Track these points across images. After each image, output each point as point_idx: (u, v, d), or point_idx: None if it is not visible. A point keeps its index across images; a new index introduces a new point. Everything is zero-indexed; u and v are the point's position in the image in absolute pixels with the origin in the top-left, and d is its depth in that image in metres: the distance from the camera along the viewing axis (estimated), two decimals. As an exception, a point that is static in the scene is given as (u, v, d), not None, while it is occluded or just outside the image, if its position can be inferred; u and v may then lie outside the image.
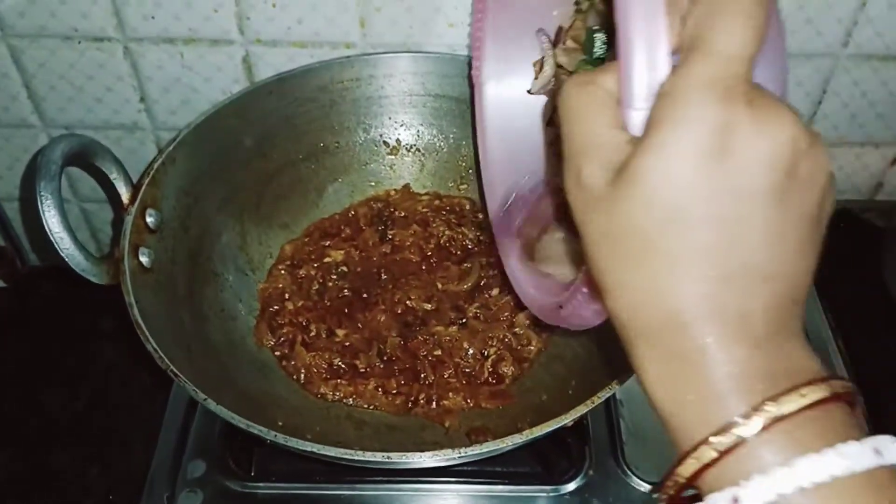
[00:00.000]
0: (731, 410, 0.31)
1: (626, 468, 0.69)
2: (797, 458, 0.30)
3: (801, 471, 0.30)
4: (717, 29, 0.32)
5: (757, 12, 0.31)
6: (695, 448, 0.32)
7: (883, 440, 0.31)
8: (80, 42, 0.76)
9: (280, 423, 0.61)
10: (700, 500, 0.32)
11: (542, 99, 0.65)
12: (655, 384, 0.34)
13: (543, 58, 0.62)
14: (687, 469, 0.32)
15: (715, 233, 0.31)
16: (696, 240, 0.31)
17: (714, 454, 0.31)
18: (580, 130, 0.35)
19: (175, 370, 0.55)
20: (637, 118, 0.33)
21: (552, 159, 0.64)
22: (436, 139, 0.82)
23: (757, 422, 0.30)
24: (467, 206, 0.82)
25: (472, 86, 0.69)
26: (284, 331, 0.73)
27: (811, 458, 0.30)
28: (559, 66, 0.61)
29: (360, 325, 0.74)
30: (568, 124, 0.35)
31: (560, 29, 0.62)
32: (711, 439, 0.31)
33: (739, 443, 0.31)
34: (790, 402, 0.31)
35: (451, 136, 0.82)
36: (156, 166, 0.67)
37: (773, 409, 0.30)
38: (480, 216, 0.80)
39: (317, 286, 0.76)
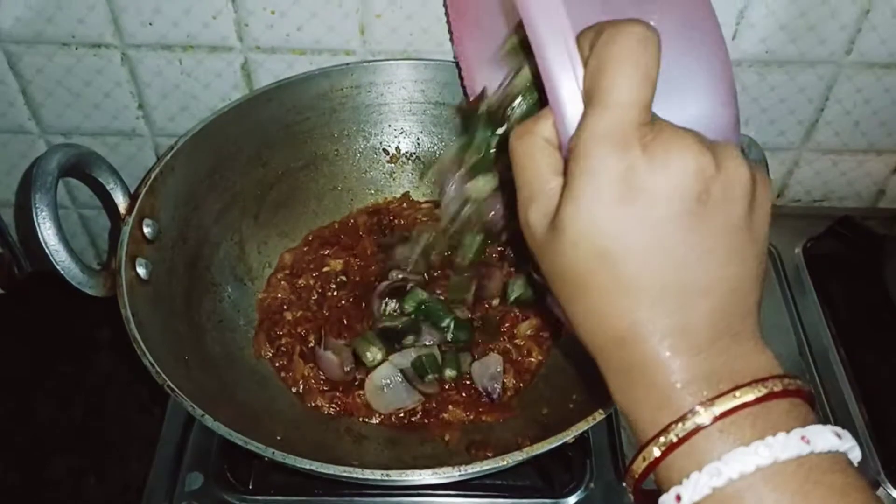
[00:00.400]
0: (672, 414, 0.34)
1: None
2: (727, 452, 0.33)
3: (729, 464, 0.33)
4: (607, 80, 0.34)
5: (643, 59, 0.34)
6: (643, 447, 0.35)
7: (813, 430, 0.34)
8: (77, 48, 0.76)
9: (279, 437, 0.60)
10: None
11: None
12: (616, 394, 0.38)
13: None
14: (638, 466, 0.36)
15: (640, 263, 0.35)
16: (623, 273, 0.35)
17: (657, 453, 0.35)
18: (523, 178, 0.38)
19: (172, 385, 0.55)
20: None
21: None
22: (436, 147, 0.82)
23: (691, 423, 0.34)
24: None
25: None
26: (283, 342, 0.73)
27: (739, 452, 0.33)
28: None
29: (359, 335, 0.73)
30: (515, 171, 0.39)
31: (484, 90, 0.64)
32: (658, 439, 0.35)
33: (678, 442, 0.34)
34: (724, 403, 0.34)
35: (452, 143, 0.81)
36: (153, 176, 0.66)
37: (706, 412, 0.34)
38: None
39: (315, 296, 0.76)
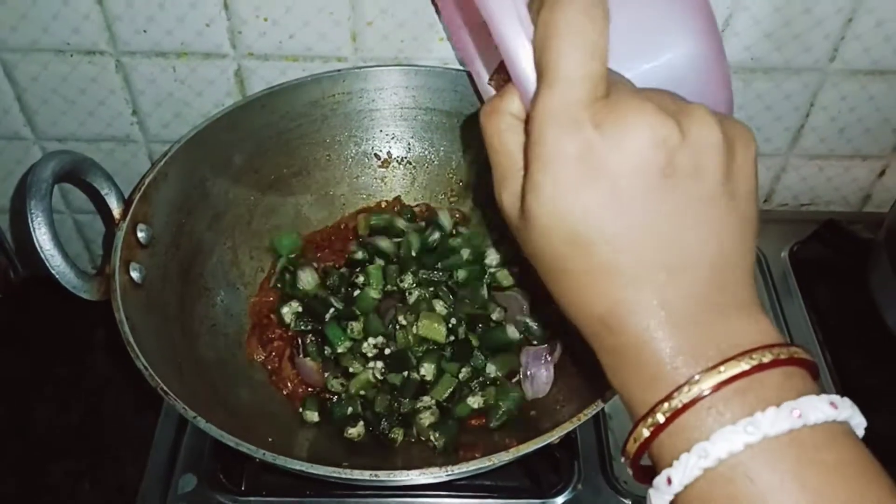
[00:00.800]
0: (660, 393, 0.33)
1: (614, 483, 0.70)
2: (715, 431, 0.32)
3: (717, 444, 0.31)
4: (551, 54, 0.32)
5: (588, 26, 0.32)
6: (634, 428, 0.34)
7: (805, 402, 0.32)
8: (72, 56, 0.76)
9: (270, 440, 0.61)
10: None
11: None
12: (609, 376, 0.37)
13: None
14: (631, 448, 0.35)
15: (612, 245, 0.33)
16: (596, 256, 0.33)
17: (647, 433, 0.34)
18: (494, 159, 0.37)
19: (165, 388, 0.56)
20: None
21: None
22: (427, 152, 0.83)
23: (677, 402, 0.32)
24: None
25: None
26: (275, 345, 0.73)
27: (728, 430, 0.31)
28: None
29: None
30: (488, 151, 0.37)
31: None
32: (647, 419, 0.34)
33: (665, 422, 0.33)
34: (710, 379, 0.32)
35: (442, 148, 0.82)
36: (147, 182, 0.67)
37: (690, 390, 0.32)
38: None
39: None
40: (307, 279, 0.75)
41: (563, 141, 0.32)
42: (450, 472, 0.53)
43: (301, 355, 0.72)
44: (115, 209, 0.66)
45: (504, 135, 0.36)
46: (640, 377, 0.34)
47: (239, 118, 0.74)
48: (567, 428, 0.55)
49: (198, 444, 0.72)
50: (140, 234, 0.66)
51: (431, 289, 0.73)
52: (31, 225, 0.57)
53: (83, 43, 0.75)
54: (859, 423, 0.34)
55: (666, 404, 0.33)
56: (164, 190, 0.69)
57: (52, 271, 0.59)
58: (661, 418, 0.33)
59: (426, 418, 0.67)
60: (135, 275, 0.64)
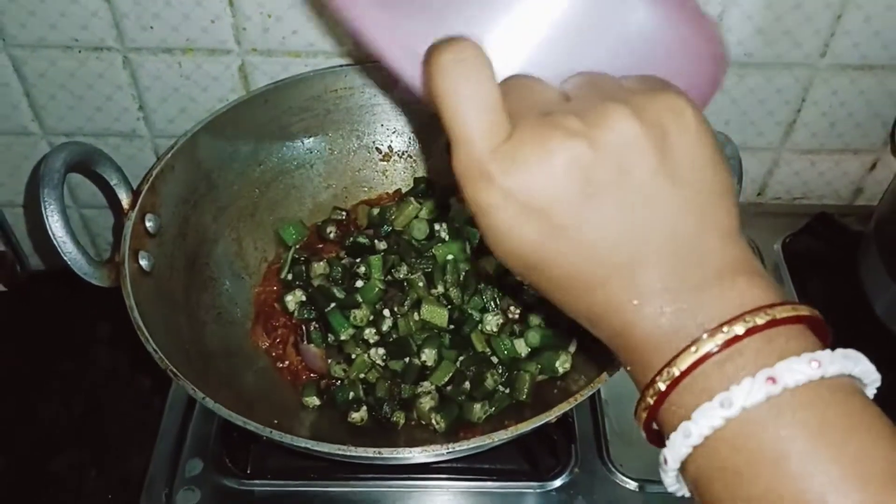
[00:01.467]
0: (660, 361, 0.34)
1: (610, 466, 0.72)
2: (728, 388, 0.32)
3: (700, 423, 0.32)
4: (444, 117, 0.34)
5: (469, 88, 0.33)
6: (641, 398, 0.35)
7: (784, 365, 0.32)
8: (80, 52, 0.78)
9: (276, 422, 0.62)
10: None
11: None
12: (617, 354, 0.37)
13: None
14: (640, 415, 0.35)
15: (565, 264, 0.34)
16: (554, 273, 0.35)
17: (651, 402, 0.34)
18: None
19: (174, 370, 0.57)
20: None
21: None
22: (427, 146, 0.84)
23: (675, 370, 0.33)
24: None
25: None
26: (279, 332, 0.75)
27: (744, 385, 0.31)
28: None
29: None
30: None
31: None
32: (653, 386, 0.34)
33: (670, 388, 0.33)
34: (709, 342, 0.32)
35: (442, 143, 0.83)
36: (154, 173, 0.69)
37: (688, 356, 0.33)
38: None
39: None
40: (319, 271, 0.77)
41: (481, 196, 0.34)
42: (451, 450, 0.55)
43: (305, 342, 0.73)
44: (124, 199, 0.67)
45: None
46: (634, 359, 0.36)
47: (243, 113, 0.76)
48: (564, 408, 0.57)
49: (204, 429, 0.73)
50: (148, 224, 0.68)
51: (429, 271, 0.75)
52: (44, 213, 0.59)
53: (91, 39, 0.77)
54: (874, 380, 0.34)
55: (651, 388, 0.34)
56: (171, 181, 0.71)
57: (65, 258, 0.60)
58: (665, 385, 0.34)
59: (426, 402, 0.69)
60: (143, 263, 0.66)
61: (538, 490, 0.70)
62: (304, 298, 0.76)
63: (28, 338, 0.92)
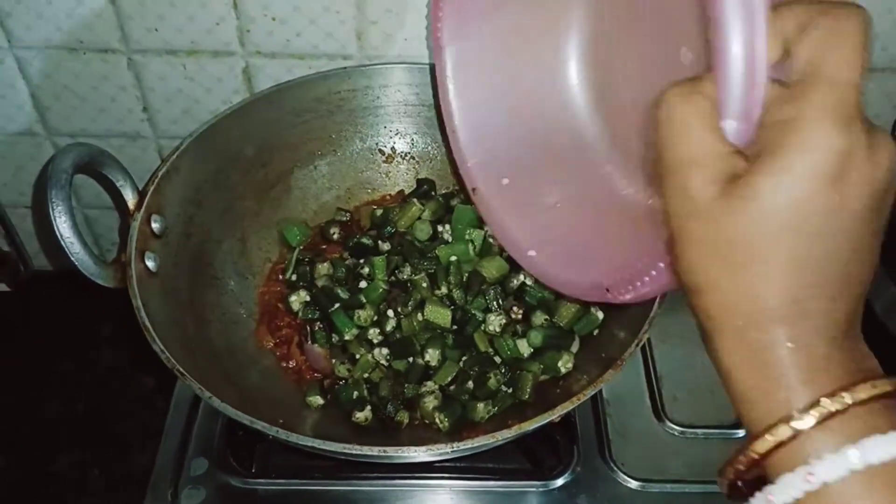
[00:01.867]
0: (797, 403, 0.34)
1: (612, 465, 0.72)
2: (824, 454, 0.33)
3: (824, 467, 0.32)
4: (835, 60, 0.34)
5: (867, 44, 0.34)
6: (768, 429, 0.34)
7: None
8: (85, 54, 0.78)
9: (281, 422, 0.63)
10: (761, 484, 0.35)
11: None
12: (734, 372, 0.36)
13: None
14: (758, 448, 0.35)
15: (818, 247, 0.34)
16: (799, 252, 0.34)
17: (787, 436, 0.34)
18: (685, 141, 0.36)
19: (181, 369, 0.58)
20: (745, 133, 0.35)
21: None
22: (430, 147, 0.85)
23: (814, 415, 0.33)
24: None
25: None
26: (283, 332, 0.76)
27: (835, 454, 0.32)
28: None
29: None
30: (671, 135, 0.37)
31: None
32: (792, 423, 0.34)
33: (787, 441, 0.34)
34: (858, 392, 0.33)
35: (445, 144, 0.84)
36: (160, 174, 0.69)
37: (831, 404, 0.33)
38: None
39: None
40: (323, 271, 0.78)
41: (834, 134, 0.33)
42: (455, 449, 0.56)
43: (309, 342, 0.74)
44: (130, 200, 0.68)
45: (699, 119, 0.36)
46: (780, 382, 0.35)
47: (247, 114, 0.77)
48: (567, 407, 0.57)
49: (208, 429, 0.74)
50: (154, 225, 0.68)
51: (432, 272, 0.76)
52: (51, 213, 0.60)
53: (96, 41, 0.78)
54: None
55: (785, 425, 0.34)
56: (176, 182, 0.71)
57: (72, 258, 0.61)
58: (787, 432, 0.34)
59: (430, 402, 0.69)
60: (150, 263, 0.66)
61: (540, 489, 0.71)
62: (308, 299, 0.76)
63: (31, 338, 0.92)
